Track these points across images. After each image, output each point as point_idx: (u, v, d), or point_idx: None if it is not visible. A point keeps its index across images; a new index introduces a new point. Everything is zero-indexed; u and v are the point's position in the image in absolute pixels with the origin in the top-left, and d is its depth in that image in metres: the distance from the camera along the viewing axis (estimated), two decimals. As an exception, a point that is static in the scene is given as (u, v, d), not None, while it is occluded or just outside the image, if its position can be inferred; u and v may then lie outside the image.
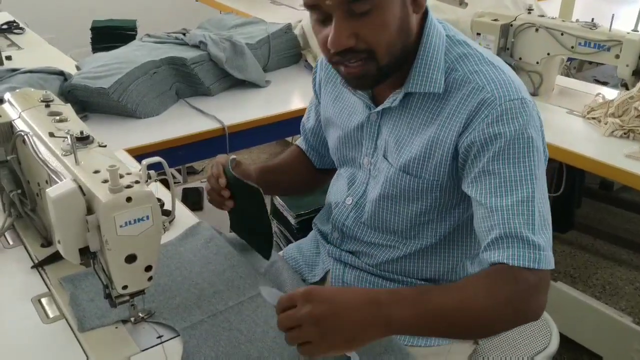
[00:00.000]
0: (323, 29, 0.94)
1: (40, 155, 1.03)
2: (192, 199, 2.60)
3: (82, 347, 0.94)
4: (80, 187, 0.88)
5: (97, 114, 1.88)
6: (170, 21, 3.74)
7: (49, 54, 2.55)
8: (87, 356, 0.93)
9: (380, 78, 0.98)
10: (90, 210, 0.88)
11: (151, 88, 1.89)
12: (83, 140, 1.01)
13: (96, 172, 0.91)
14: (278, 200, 1.81)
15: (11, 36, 2.76)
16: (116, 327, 0.98)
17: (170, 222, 1.29)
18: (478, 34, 2.09)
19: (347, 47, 0.92)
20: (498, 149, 0.93)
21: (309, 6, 0.93)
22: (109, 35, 3.17)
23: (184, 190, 2.66)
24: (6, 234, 1.22)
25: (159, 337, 0.96)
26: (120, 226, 0.86)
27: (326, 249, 1.22)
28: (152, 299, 1.03)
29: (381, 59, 0.94)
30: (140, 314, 0.99)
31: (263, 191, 1.10)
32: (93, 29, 3.21)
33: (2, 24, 2.82)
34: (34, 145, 1.06)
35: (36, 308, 1.03)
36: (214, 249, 1.19)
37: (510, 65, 2.02)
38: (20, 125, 1.16)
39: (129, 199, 0.86)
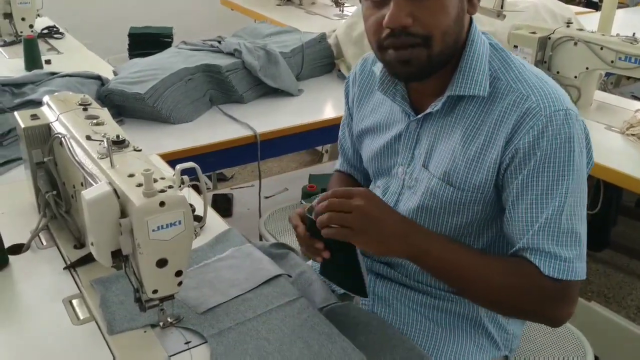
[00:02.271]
0: (377, 12, 0.96)
1: (77, 158, 1.04)
2: (222, 206, 2.62)
3: (110, 350, 0.95)
4: (114, 190, 0.88)
5: (132, 119, 1.90)
6: (205, 29, 3.78)
7: (87, 58, 2.59)
8: (115, 359, 0.93)
9: (427, 69, 0.98)
10: (123, 214, 0.88)
11: (185, 94, 1.91)
12: (119, 144, 1.02)
13: (131, 175, 0.92)
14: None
15: (51, 41, 2.82)
16: (145, 331, 0.98)
17: (201, 227, 1.29)
18: (515, 46, 2.06)
19: (404, 25, 0.92)
20: (537, 163, 0.94)
21: None
22: (146, 41, 3.24)
23: (214, 196, 2.68)
24: (40, 234, 1.24)
25: (187, 342, 0.96)
26: (153, 230, 0.86)
27: None
28: (180, 304, 1.03)
29: (435, 46, 0.95)
30: (169, 319, 0.99)
31: None
32: (130, 35, 3.28)
33: (43, 29, 2.88)
34: (70, 148, 1.08)
35: (67, 309, 1.04)
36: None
37: (547, 79, 2.00)
38: (57, 127, 1.18)
39: (162, 204, 0.86)
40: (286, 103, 2.13)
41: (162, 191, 0.87)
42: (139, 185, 0.88)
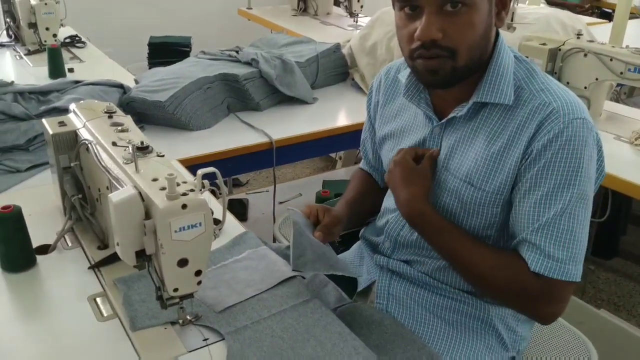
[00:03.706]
0: (409, 24, 1.02)
1: (103, 163, 1.10)
2: (237, 210, 2.68)
3: (133, 345, 1.00)
4: (139, 193, 0.94)
5: (152, 126, 1.96)
6: (223, 38, 3.85)
7: (108, 67, 2.66)
8: (138, 354, 0.98)
9: (452, 79, 1.04)
10: (147, 215, 0.94)
11: (204, 102, 1.97)
12: (143, 149, 1.07)
13: (155, 180, 0.97)
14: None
15: (73, 49, 2.90)
16: (165, 328, 1.03)
17: (219, 230, 1.35)
18: (526, 57, 2.09)
19: (434, 39, 0.99)
20: (547, 162, 1.00)
21: None
22: (165, 50, 3.32)
23: (230, 201, 2.74)
24: (66, 236, 1.30)
25: (205, 339, 1.01)
26: (175, 231, 0.91)
27: (374, 259, 1.26)
28: (199, 303, 1.08)
29: (460, 59, 1.01)
30: (189, 317, 1.04)
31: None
32: (150, 45, 3.36)
33: (66, 38, 2.96)
34: (97, 154, 1.13)
35: (92, 306, 1.09)
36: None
37: (557, 89, 2.03)
38: (84, 134, 1.24)
39: (184, 206, 0.91)
40: (301, 111, 2.19)
41: (184, 194, 0.93)
42: (163, 188, 0.93)
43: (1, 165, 1.62)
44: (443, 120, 1.12)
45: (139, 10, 4.39)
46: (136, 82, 2.12)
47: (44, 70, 2.46)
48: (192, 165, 1.74)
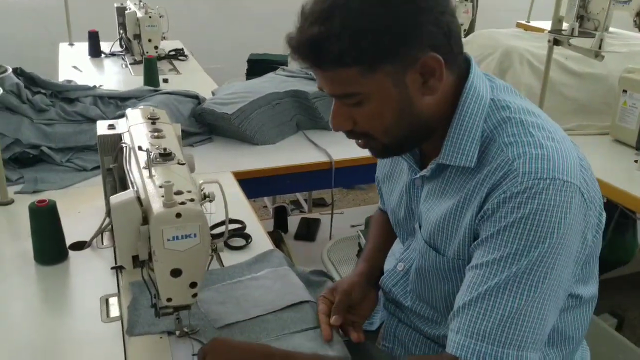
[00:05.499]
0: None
1: (128, 166, 1.12)
2: (313, 230, 2.66)
3: (125, 350, 1.00)
4: (138, 198, 0.93)
5: (221, 137, 2.00)
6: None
7: (200, 80, 2.77)
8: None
9: (391, 152, 0.98)
10: (146, 221, 0.93)
11: (272, 118, 1.97)
12: (165, 156, 1.08)
13: (161, 186, 0.96)
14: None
15: (175, 62, 3.06)
16: (160, 337, 1.02)
17: (248, 243, 1.33)
18: (624, 91, 1.90)
19: (345, 129, 0.93)
20: (501, 228, 0.83)
21: (318, 87, 0.94)
22: (263, 67, 3.38)
23: (306, 220, 2.73)
24: (104, 234, 1.34)
25: (194, 354, 0.98)
26: (168, 240, 0.90)
27: (381, 301, 1.17)
28: (202, 316, 1.06)
29: (381, 140, 0.92)
30: (185, 329, 1.02)
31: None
32: (249, 61, 3.45)
33: (170, 51, 3.13)
34: (126, 157, 1.15)
35: (101, 306, 1.11)
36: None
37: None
38: (126, 137, 1.27)
39: (178, 215, 0.89)
40: (374, 133, 2.12)
41: (182, 203, 0.91)
42: (164, 196, 0.92)
43: (71, 163, 1.72)
44: (417, 175, 1.01)
45: (244, 28, 4.56)
46: (213, 94, 2.17)
47: (142, 79, 2.60)
48: (249, 178, 1.74)
